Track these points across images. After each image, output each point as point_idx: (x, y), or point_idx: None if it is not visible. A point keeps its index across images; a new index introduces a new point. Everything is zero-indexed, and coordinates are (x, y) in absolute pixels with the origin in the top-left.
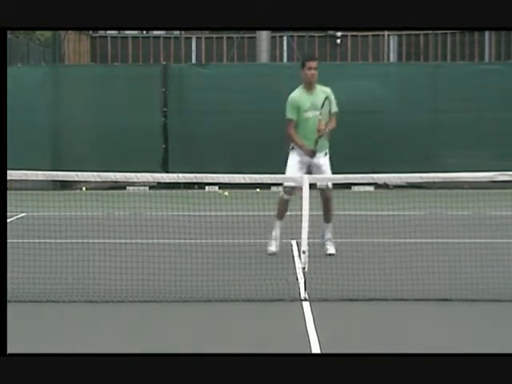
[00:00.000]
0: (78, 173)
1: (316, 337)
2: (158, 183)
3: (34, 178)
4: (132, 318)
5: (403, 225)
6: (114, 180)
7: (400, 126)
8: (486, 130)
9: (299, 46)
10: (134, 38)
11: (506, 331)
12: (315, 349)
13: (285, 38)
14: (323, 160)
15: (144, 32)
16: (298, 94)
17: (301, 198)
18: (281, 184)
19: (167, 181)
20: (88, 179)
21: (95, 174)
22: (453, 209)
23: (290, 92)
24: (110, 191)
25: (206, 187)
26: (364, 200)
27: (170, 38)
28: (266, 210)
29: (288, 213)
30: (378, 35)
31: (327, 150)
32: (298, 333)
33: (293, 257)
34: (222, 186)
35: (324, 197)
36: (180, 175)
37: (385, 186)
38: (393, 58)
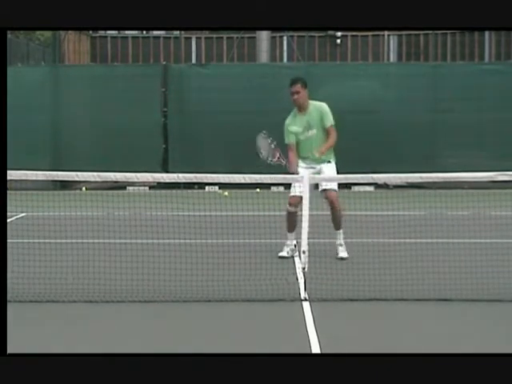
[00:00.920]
0: (78, 173)
1: (316, 337)
2: (158, 183)
3: (34, 178)
4: (132, 317)
5: (403, 225)
6: (114, 180)
7: (400, 126)
8: (486, 130)
9: (299, 46)
10: (134, 37)
11: (506, 331)
12: (315, 349)
13: (285, 37)
14: (327, 168)
15: (144, 32)
16: (291, 119)
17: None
18: (281, 184)
19: (167, 181)
20: (88, 179)
21: (95, 174)
22: (453, 209)
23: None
24: (110, 191)
25: (206, 187)
26: (364, 200)
27: (170, 38)
28: (266, 210)
29: None
30: (378, 35)
31: (331, 160)
32: (298, 333)
33: (293, 257)
34: (222, 186)
35: (332, 206)
36: (180, 175)
37: (385, 186)
38: (393, 58)
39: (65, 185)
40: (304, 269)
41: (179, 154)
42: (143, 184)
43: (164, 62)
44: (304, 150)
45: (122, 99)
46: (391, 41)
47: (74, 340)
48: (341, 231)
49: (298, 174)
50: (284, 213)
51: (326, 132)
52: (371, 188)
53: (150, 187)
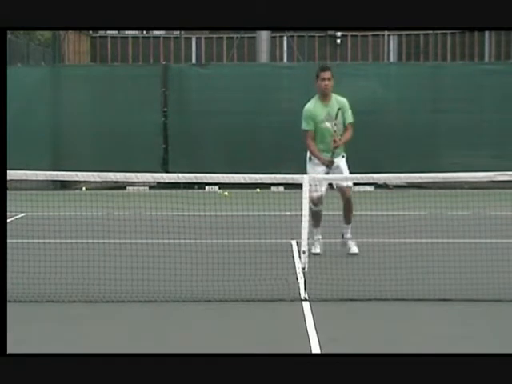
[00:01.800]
0: (78, 173)
1: (316, 337)
2: (158, 183)
3: (34, 178)
4: (132, 318)
5: (403, 225)
6: (114, 180)
7: (400, 126)
8: (486, 130)
9: (299, 45)
10: (134, 37)
11: (506, 331)
12: (315, 349)
13: (285, 38)
14: (341, 162)
15: (144, 32)
16: (312, 105)
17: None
18: (281, 184)
19: (167, 181)
20: (88, 179)
21: (95, 174)
22: (453, 209)
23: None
24: (110, 191)
25: (206, 187)
26: (364, 200)
27: (170, 38)
28: (266, 210)
29: (288, 213)
30: (378, 35)
31: (344, 153)
32: (298, 333)
33: (293, 257)
34: (222, 186)
35: (345, 198)
36: (180, 175)
37: (385, 186)
38: (393, 58)
39: (65, 185)
40: (304, 269)
41: (179, 154)
42: (143, 184)
43: (164, 62)
44: (318, 141)
45: (121, 99)
46: (391, 41)
47: (74, 340)
48: (350, 226)
49: (329, 161)
50: (284, 213)
51: (345, 128)
52: (371, 188)
53: (150, 187)
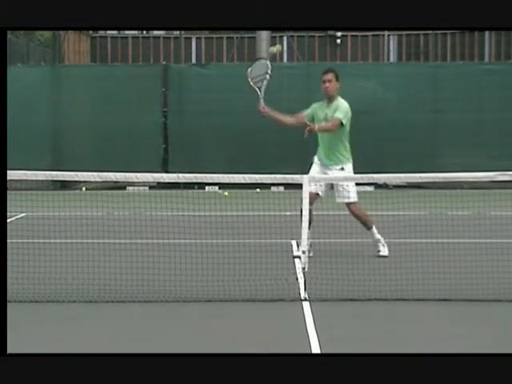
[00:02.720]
0: (78, 173)
1: (316, 337)
2: (158, 183)
3: (34, 178)
4: (132, 318)
5: (403, 225)
6: (114, 180)
7: (400, 125)
8: (486, 130)
9: (299, 46)
10: (134, 37)
11: (506, 331)
12: (315, 349)
13: (285, 38)
14: (334, 173)
15: (144, 32)
16: (317, 104)
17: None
18: (281, 184)
19: (167, 181)
20: (88, 179)
21: (95, 174)
22: (453, 209)
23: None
24: (110, 191)
25: (206, 187)
26: (364, 200)
27: (170, 38)
28: (266, 210)
29: (288, 213)
30: (378, 35)
31: (343, 166)
32: (298, 333)
33: (293, 257)
34: (222, 186)
35: (350, 211)
36: (180, 175)
37: (385, 186)
38: (393, 58)
39: (65, 185)
40: (304, 269)
41: (179, 154)
42: (143, 184)
43: (164, 62)
44: (320, 145)
45: (122, 99)
46: (391, 41)
47: (74, 340)
48: (373, 229)
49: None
50: (284, 213)
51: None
52: (371, 188)
53: (150, 187)
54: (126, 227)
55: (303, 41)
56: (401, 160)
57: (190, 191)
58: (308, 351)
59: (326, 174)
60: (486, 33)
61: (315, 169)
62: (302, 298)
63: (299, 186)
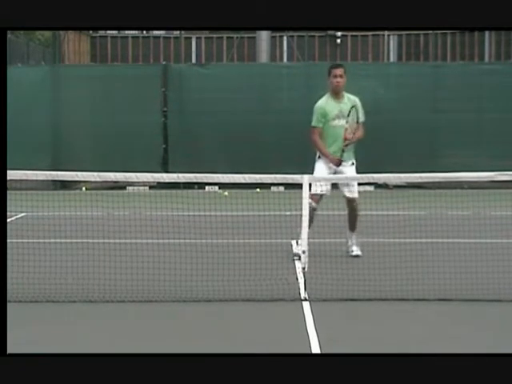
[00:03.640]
0: (78, 173)
1: (316, 337)
2: (158, 183)
3: (34, 178)
4: (132, 318)
5: (403, 225)
6: (114, 180)
7: (400, 125)
8: (486, 129)
9: (299, 45)
10: (134, 37)
11: (506, 331)
12: (315, 349)
13: (285, 38)
14: (349, 170)
15: (144, 32)
16: (324, 102)
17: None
18: (281, 184)
19: (167, 181)
20: (88, 179)
21: (95, 174)
22: (453, 209)
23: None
24: (110, 191)
25: (206, 187)
26: (364, 200)
27: (170, 38)
28: (266, 210)
29: (288, 213)
30: (378, 35)
31: (354, 160)
32: (298, 333)
33: (293, 255)
34: (222, 186)
35: (350, 207)
36: (180, 175)
37: (385, 186)
38: (393, 58)
39: (65, 185)
40: (304, 269)
41: (179, 154)
42: (143, 184)
43: (164, 62)
44: (329, 140)
45: (122, 99)
46: (391, 41)
47: (74, 340)
48: (355, 233)
49: (338, 160)
50: (284, 213)
51: (357, 126)
52: (371, 188)
53: (150, 187)
54: (126, 227)
55: (303, 41)
56: (401, 160)
57: (189, 191)
58: (308, 351)
59: (334, 171)
60: (486, 33)
61: (322, 168)
62: (302, 297)
63: (299, 186)
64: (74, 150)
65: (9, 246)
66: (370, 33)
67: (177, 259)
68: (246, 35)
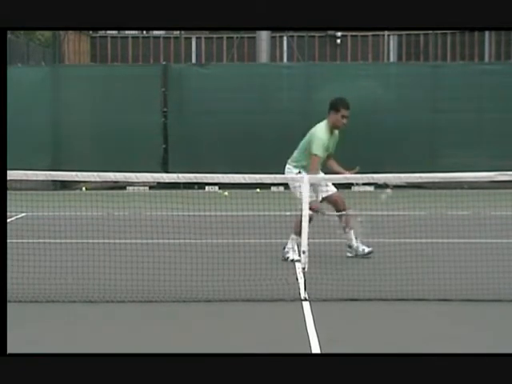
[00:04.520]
0: (78, 173)
1: (316, 337)
2: (158, 183)
3: (34, 178)
4: (132, 318)
5: (403, 225)
6: (114, 180)
7: (400, 125)
8: (486, 129)
9: (299, 45)
10: (134, 37)
11: (506, 331)
12: (315, 349)
13: (285, 38)
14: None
15: (144, 32)
16: (326, 136)
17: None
18: (281, 184)
19: (167, 181)
20: (88, 179)
21: (95, 174)
22: (453, 209)
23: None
24: (110, 191)
25: (206, 187)
26: (364, 200)
27: (170, 38)
28: (266, 210)
29: (288, 213)
30: (378, 35)
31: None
32: (298, 333)
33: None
34: (222, 186)
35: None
36: (180, 175)
37: (385, 186)
38: (393, 58)
39: (65, 185)
40: (304, 269)
41: (179, 154)
42: (143, 184)
43: (164, 62)
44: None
45: (121, 99)
46: (391, 41)
47: (74, 340)
48: (352, 232)
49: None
50: (284, 213)
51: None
52: (371, 188)
53: (150, 187)
54: (126, 227)
55: (303, 41)
56: (401, 160)
57: (189, 191)
58: (308, 351)
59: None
60: (486, 33)
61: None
62: (302, 298)
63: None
64: (73, 150)
65: (9, 246)
66: (369, 33)
67: (177, 259)
68: (246, 35)
